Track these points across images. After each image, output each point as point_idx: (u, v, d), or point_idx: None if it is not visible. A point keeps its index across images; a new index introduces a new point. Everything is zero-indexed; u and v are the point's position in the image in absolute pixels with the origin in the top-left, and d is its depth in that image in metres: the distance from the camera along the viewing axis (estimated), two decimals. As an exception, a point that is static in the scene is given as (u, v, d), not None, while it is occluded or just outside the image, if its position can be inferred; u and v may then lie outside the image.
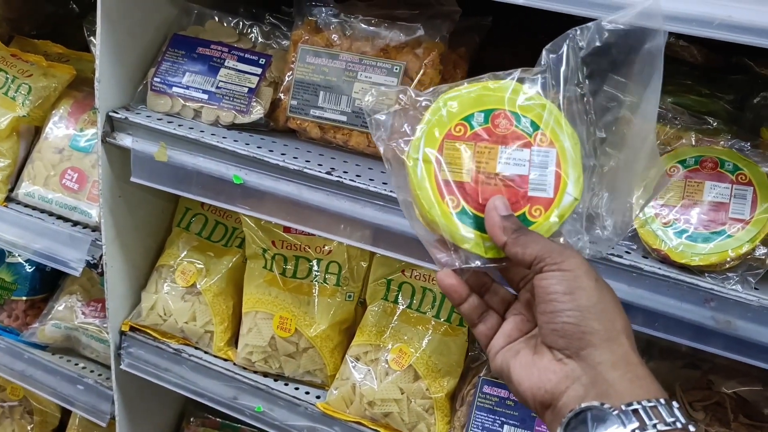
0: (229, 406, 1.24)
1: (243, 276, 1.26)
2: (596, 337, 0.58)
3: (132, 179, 1.13)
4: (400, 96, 0.69)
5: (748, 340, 0.85)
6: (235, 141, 1.07)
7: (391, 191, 0.97)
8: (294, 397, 1.20)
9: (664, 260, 0.87)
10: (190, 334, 1.26)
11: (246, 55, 1.14)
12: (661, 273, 0.86)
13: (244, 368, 1.23)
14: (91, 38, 1.35)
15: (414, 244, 0.99)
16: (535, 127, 0.65)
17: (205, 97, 1.12)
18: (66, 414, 1.65)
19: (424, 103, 0.68)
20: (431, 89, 0.69)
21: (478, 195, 0.64)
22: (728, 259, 0.84)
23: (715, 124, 0.95)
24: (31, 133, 1.36)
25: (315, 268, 1.21)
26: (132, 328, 1.29)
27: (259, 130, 1.12)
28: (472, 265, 0.65)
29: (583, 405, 0.57)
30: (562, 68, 0.68)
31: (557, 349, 0.60)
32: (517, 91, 0.66)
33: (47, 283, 1.48)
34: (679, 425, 0.55)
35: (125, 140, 1.12)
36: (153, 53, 1.18)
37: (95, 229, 1.26)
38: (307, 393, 1.21)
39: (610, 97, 0.69)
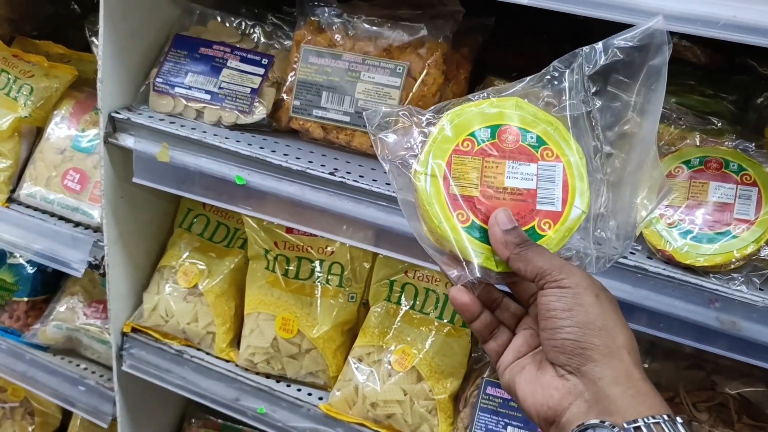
0: (232, 408, 1.23)
1: (245, 277, 1.25)
2: (596, 353, 0.58)
3: (134, 180, 1.13)
4: (404, 113, 0.69)
5: (752, 341, 0.84)
6: (237, 141, 1.07)
7: (394, 192, 0.97)
8: (296, 398, 1.19)
9: (669, 261, 0.86)
10: (192, 335, 1.26)
11: (248, 56, 1.13)
12: (666, 274, 0.85)
13: (246, 369, 1.23)
14: (93, 39, 1.35)
15: (417, 244, 0.99)
16: (542, 142, 0.66)
17: (208, 97, 1.11)
18: (67, 415, 1.64)
19: (427, 121, 0.68)
20: (433, 107, 0.69)
21: (487, 209, 0.65)
22: (733, 260, 0.83)
23: (719, 125, 0.95)
24: (33, 133, 1.35)
25: (317, 269, 1.21)
26: (134, 329, 1.29)
27: (262, 130, 1.12)
28: (483, 279, 0.65)
29: (585, 423, 0.57)
30: (567, 84, 0.67)
31: (559, 365, 0.60)
32: (521, 107, 0.66)
33: (48, 284, 1.48)
34: None
35: (127, 141, 1.12)
36: (155, 54, 1.17)
37: (97, 229, 1.26)
38: (310, 394, 1.21)
39: (615, 111, 0.69)
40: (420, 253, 0.99)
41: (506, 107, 0.66)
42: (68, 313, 1.41)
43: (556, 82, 0.68)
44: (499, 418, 1.07)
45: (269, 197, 1.05)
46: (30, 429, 1.64)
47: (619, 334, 0.59)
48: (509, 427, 1.07)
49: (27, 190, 1.30)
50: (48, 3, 1.56)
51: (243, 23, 1.18)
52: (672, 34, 1.19)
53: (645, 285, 0.87)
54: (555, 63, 0.69)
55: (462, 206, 0.64)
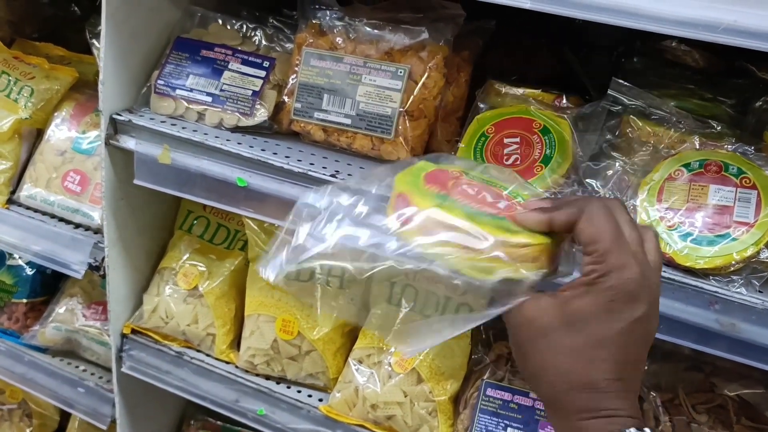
0: (231, 409, 1.23)
1: (245, 279, 1.25)
2: None
3: (135, 182, 1.13)
4: None
5: (752, 343, 0.85)
6: (239, 143, 1.07)
7: (395, 194, 0.97)
8: (296, 400, 1.19)
9: (669, 263, 0.87)
10: (191, 336, 1.26)
11: (250, 58, 1.14)
12: (666, 276, 0.86)
13: (246, 371, 1.23)
14: (93, 41, 1.35)
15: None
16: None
17: (209, 99, 1.12)
18: (65, 417, 1.64)
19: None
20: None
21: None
22: (733, 262, 0.84)
23: (719, 128, 0.96)
24: (33, 135, 1.35)
25: (318, 270, 1.21)
26: (133, 331, 1.29)
27: (263, 132, 1.12)
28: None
29: None
30: None
31: None
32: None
33: (48, 285, 1.48)
34: None
35: (128, 143, 1.12)
36: (156, 56, 1.18)
37: (97, 231, 1.26)
38: (310, 396, 1.21)
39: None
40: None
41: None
42: (67, 314, 1.41)
43: None
44: (499, 420, 1.07)
45: (271, 199, 1.05)
46: (28, 431, 1.64)
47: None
48: (509, 429, 1.07)
49: (27, 191, 1.30)
50: (48, 5, 1.57)
51: (244, 26, 1.19)
52: (672, 38, 1.20)
53: (645, 287, 0.87)
54: None
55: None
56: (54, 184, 1.28)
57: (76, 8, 1.63)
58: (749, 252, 0.84)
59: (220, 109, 1.11)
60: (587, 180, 0.95)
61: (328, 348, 1.19)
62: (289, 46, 1.17)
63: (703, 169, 0.90)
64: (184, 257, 1.28)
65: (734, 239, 0.85)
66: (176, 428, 1.59)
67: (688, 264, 0.85)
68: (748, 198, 0.87)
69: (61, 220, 1.29)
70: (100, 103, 1.11)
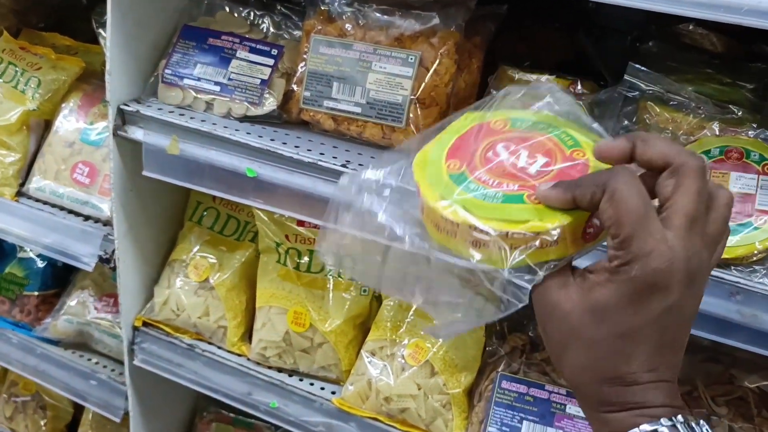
0: (244, 402, 1.23)
1: (256, 271, 1.24)
2: None
3: (144, 173, 1.12)
4: None
5: (775, 334, 0.83)
6: (247, 133, 1.05)
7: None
8: (309, 392, 1.18)
9: (689, 253, 0.85)
10: (203, 329, 1.25)
11: (258, 46, 1.12)
12: (686, 266, 0.84)
13: (258, 364, 1.22)
14: (100, 30, 1.33)
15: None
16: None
17: (217, 89, 1.10)
18: (79, 409, 1.64)
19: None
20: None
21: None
22: (755, 252, 0.82)
23: (739, 114, 0.93)
24: (41, 126, 1.35)
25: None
26: (145, 324, 1.28)
27: (272, 122, 1.10)
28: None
29: None
30: None
31: None
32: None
33: (59, 278, 1.47)
34: None
35: (137, 133, 1.11)
36: (163, 45, 1.16)
37: (107, 223, 1.25)
38: (322, 389, 1.20)
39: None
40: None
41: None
42: (79, 307, 1.41)
43: None
44: (515, 413, 1.06)
45: (280, 189, 1.04)
46: (42, 423, 1.64)
47: None
48: (525, 422, 1.05)
49: (36, 183, 1.30)
50: (55, -6, 1.55)
51: (251, 13, 1.17)
52: (688, 21, 1.17)
53: (664, 277, 0.85)
54: None
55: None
56: (63, 176, 1.27)
57: (82, -3, 1.62)
58: (772, 241, 0.82)
59: (228, 99, 1.10)
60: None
61: (340, 340, 1.18)
62: (297, 33, 1.15)
63: (723, 156, 0.88)
64: (195, 249, 1.27)
65: (756, 228, 0.83)
66: (189, 420, 1.59)
67: (708, 253, 0.83)
68: (770, 185, 0.85)
69: (71, 212, 1.28)
70: (108, 93, 1.10)
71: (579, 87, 1.04)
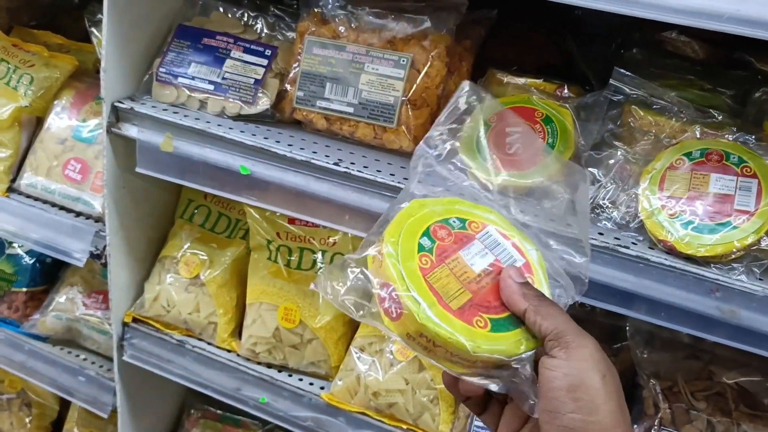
0: (233, 398, 1.24)
1: (246, 267, 1.26)
2: None
3: (137, 170, 1.13)
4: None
5: (752, 330, 0.86)
6: (241, 132, 1.07)
7: (399, 182, 0.98)
8: (298, 388, 1.20)
9: (671, 251, 0.88)
10: (193, 325, 1.26)
11: (252, 47, 1.14)
12: (668, 264, 0.87)
13: (248, 359, 1.24)
14: (92, 29, 1.35)
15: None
16: (463, 222, 0.67)
17: (211, 87, 1.12)
18: (65, 406, 1.64)
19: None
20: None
21: (488, 300, 0.62)
22: (734, 250, 0.85)
23: (719, 118, 0.96)
24: (33, 123, 1.35)
25: (320, 259, 1.22)
26: (135, 320, 1.29)
27: (265, 121, 1.12)
28: (522, 371, 0.61)
29: None
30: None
31: None
32: (425, 205, 0.67)
33: (47, 274, 1.48)
34: None
35: (131, 130, 1.12)
36: (158, 44, 1.17)
37: (98, 219, 1.26)
38: (311, 384, 1.21)
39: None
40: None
41: (424, 209, 0.66)
42: (68, 303, 1.42)
43: None
44: (500, 407, 1.08)
45: (273, 187, 1.06)
46: (27, 420, 1.64)
47: (622, 420, 0.57)
48: (510, 416, 1.08)
49: (27, 180, 1.30)
50: (47, -7, 1.56)
51: (246, 14, 1.19)
52: (671, 28, 1.21)
53: (647, 275, 0.88)
54: None
55: (472, 314, 0.61)
56: (54, 172, 1.28)
57: (74, -4, 1.63)
58: (750, 240, 0.85)
59: (222, 98, 1.11)
60: (590, 169, 0.95)
61: (329, 336, 1.20)
62: (290, 34, 1.17)
63: (704, 158, 0.91)
64: (186, 246, 1.28)
65: (735, 227, 0.86)
66: (176, 417, 1.59)
67: (689, 252, 0.86)
68: (748, 187, 0.88)
69: (62, 208, 1.29)
70: (102, 90, 1.11)
71: (566, 90, 1.07)
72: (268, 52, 1.13)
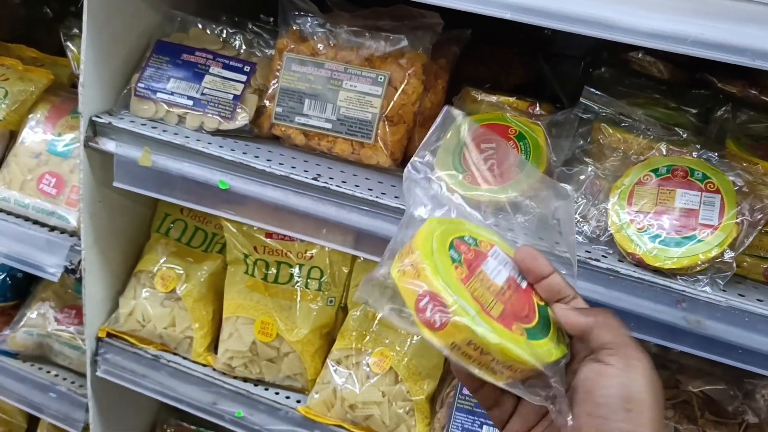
0: (209, 412, 1.24)
1: (223, 282, 1.26)
2: None
3: (115, 184, 1.13)
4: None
5: (716, 339, 0.89)
6: (220, 147, 1.08)
7: (377, 197, 1.00)
8: (274, 401, 1.20)
9: (639, 264, 0.91)
10: (169, 339, 1.26)
11: (231, 63, 1.15)
12: (636, 276, 0.90)
13: (224, 374, 1.24)
14: (68, 43, 1.35)
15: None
16: (474, 240, 0.67)
17: (190, 103, 1.13)
18: (33, 423, 1.61)
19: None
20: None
21: (516, 310, 0.63)
22: (699, 263, 0.88)
23: (684, 136, 1.00)
24: (6, 137, 1.34)
25: (297, 273, 1.23)
26: (109, 335, 1.28)
27: (244, 136, 1.13)
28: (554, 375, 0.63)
29: None
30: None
31: None
32: (441, 223, 0.68)
33: (19, 289, 1.46)
34: None
35: (108, 145, 1.12)
36: (136, 59, 1.18)
37: (73, 234, 1.25)
38: (288, 398, 1.22)
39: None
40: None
41: (434, 230, 0.66)
42: (39, 319, 1.40)
43: None
44: (475, 418, 1.10)
45: (252, 202, 1.07)
46: (-7, 438, 1.61)
47: (662, 425, 0.58)
48: (485, 426, 1.10)
49: (0, 194, 1.29)
50: (21, 6, 1.55)
51: (224, 31, 1.20)
52: (637, 49, 1.26)
53: (617, 286, 0.91)
54: None
55: (509, 322, 0.61)
56: (29, 186, 1.27)
57: (47, 10, 1.62)
58: (714, 253, 0.88)
59: (201, 113, 1.12)
60: (561, 184, 0.98)
61: (306, 350, 1.20)
62: (268, 51, 1.18)
63: (670, 174, 0.95)
64: (162, 260, 1.28)
65: (700, 241, 0.90)
66: (150, 432, 1.58)
67: (656, 264, 0.90)
68: (712, 202, 0.92)
69: (36, 222, 1.28)
70: (80, 105, 1.11)
71: (538, 108, 1.11)
72: (246, 69, 1.15)
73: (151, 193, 1.13)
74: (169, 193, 1.12)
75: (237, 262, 1.24)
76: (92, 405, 1.34)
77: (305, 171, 1.04)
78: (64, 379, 1.41)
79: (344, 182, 1.03)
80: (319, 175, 1.04)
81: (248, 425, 1.22)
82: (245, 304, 1.21)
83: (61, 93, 1.34)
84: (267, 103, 1.12)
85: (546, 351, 0.62)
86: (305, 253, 1.23)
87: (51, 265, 1.22)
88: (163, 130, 1.11)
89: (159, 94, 1.14)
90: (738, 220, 0.89)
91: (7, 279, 1.45)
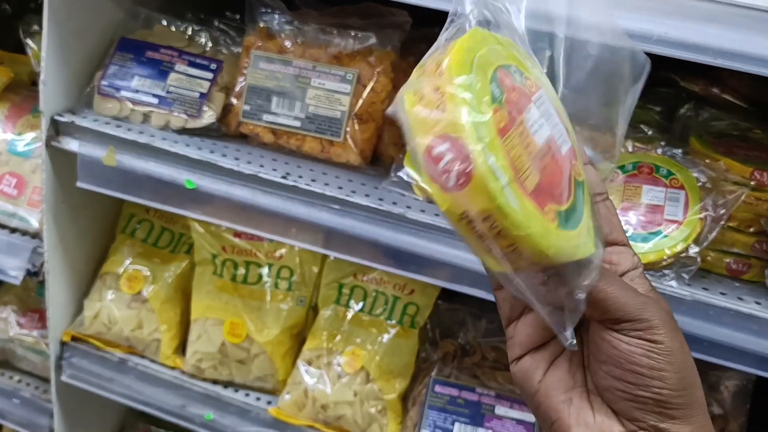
0: (178, 415, 1.22)
1: (191, 283, 1.24)
2: (678, 412, 0.50)
3: (78, 184, 1.11)
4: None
5: (682, 332, 0.91)
6: (186, 145, 1.06)
7: (346, 195, 0.99)
8: (245, 403, 1.19)
9: (607, 259, 0.92)
10: (136, 342, 1.24)
11: (197, 60, 1.13)
12: (605, 271, 0.91)
13: (193, 376, 1.22)
14: (27, 40, 1.31)
15: (365, 246, 1.02)
16: (521, 73, 0.48)
17: (155, 101, 1.11)
18: (-4, 431, 1.58)
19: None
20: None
21: (551, 184, 0.46)
22: (665, 258, 0.90)
23: (649, 133, 1.02)
24: (-36, 137, 1.30)
25: (266, 273, 1.22)
26: (74, 338, 1.26)
27: (210, 135, 1.12)
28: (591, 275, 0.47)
29: None
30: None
31: (628, 419, 0.50)
32: (486, 39, 0.48)
33: (-22, 293, 1.42)
34: None
35: (71, 144, 1.10)
36: (99, 56, 1.16)
37: (35, 235, 1.22)
38: (258, 399, 1.21)
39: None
40: (369, 254, 1.02)
41: (476, 48, 0.46)
42: (1, 323, 1.36)
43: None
44: (447, 415, 1.11)
45: (220, 201, 1.05)
46: (-46, 447, 1.56)
47: (698, 391, 0.51)
48: (456, 423, 1.10)
49: (-42, 195, 1.25)
50: (-22, 2, 1.51)
51: (189, 28, 1.18)
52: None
53: (585, 282, 0.92)
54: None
55: (543, 200, 0.44)
56: (-12, 187, 1.24)
57: (6, 6, 1.58)
58: (679, 248, 0.90)
59: (166, 111, 1.11)
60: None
61: (276, 350, 1.19)
62: (235, 49, 1.17)
63: (636, 171, 0.96)
64: (127, 262, 1.26)
65: (665, 236, 0.91)
66: (116, 437, 1.55)
67: (624, 260, 0.91)
68: (676, 198, 0.93)
69: (-4, 224, 1.25)
70: (41, 103, 1.08)
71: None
72: (213, 66, 1.13)
73: (116, 194, 1.11)
74: (134, 193, 1.10)
75: (205, 262, 1.22)
76: (57, 411, 1.31)
77: (274, 170, 1.03)
78: (28, 384, 1.37)
79: (313, 181, 1.02)
80: (288, 173, 1.03)
81: (219, 428, 1.20)
82: (214, 305, 1.20)
83: (21, 91, 1.31)
84: (234, 101, 1.11)
85: (573, 246, 0.46)
86: (274, 252, 1.22)
87: (12, 268, 1.19)
88: (128, 129, 1.09)
89: (123, 92, 1.11)
90: (702, 216, 0.91)
91: (-34, 283, 1.41)
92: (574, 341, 0.49)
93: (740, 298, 0.90)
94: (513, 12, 0.53)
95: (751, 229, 0.95)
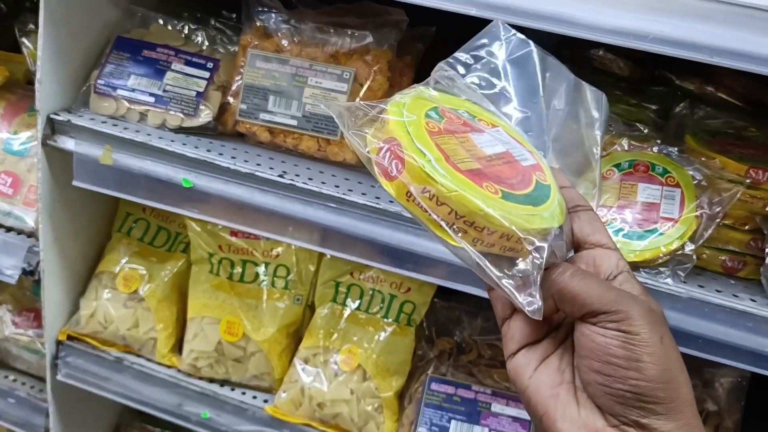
0: (175, 414, 1.22)
1: (187, 281, 1.24)
2: (661, 407, 0.49)
3: (74, 183, 1.11)
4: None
5: (678, 329, 0.91)
6: (183, 144, 1.06)
7: (343, 194, 0.99)
8: (241, 401, 1.19)
9: (603, 257, 0.92)
10: (132, 341, 1.23)
11: (193, 59, 1.13)
12: (601, 269, 0.91)
13: (189, 375, 1.22)
14: (23, 39, 1.31)
15: (362, 244, 1.02)
16: (473, 116, 0.60)
17: (152, 100, 1.11)
18: (-9, 431, 1.57)
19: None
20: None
21: (499, 176, 0.54)
22: (660, 255, 0.90)
23: (645, 131, 1.02)
24: (-41, 136, 1.30)
25: (263, 271, 1.22)
26: (69, 337, 1.25)
27: (207, 133, 1.12)
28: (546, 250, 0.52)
29: None
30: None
31: (611, 414, 0.50)
32: (434, 97, 0.61)
33: (-26, 293, 1.42)
34: None
35: (67, 143, 1.09)
36: (96, 55, 1.15)
37: (31, 235, 1.22)
38: (255, 397, 1.21)
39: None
40: (366, 252, 1.03)
41: (421, 95, 0.59)
42: (-4, 322, 1.36)
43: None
44: (443, 413, 1.11)
45: (217, 200, 1.05)
46: (-51, 447, 1.56)
47: (683, 386, 0.50)
48: (453, 421, 1.11)
49: (-47, 194, 1.25)
50: (-27, 1, 1.51)
51: (186, 27, 1.18)
52: (600, 46, 1.28)
53: (582, 280, 0.92)
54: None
55: (481, 179, 0.53)
56: (-17, 186, 1.23)
57: (1, 6, 1.58)
58: (675, 245, 0.90)
59: (163, 110, 1.10)
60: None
61: (273, 349, 1.19)
62: (231, 47, 1.17)
63: (632, 169, 0.97)
64: (124, 261, 1.25)
65: (661, 234, 0.91)
66: (112, 437, 1.55)
67: (620, 257, 0.91)
68: (672, 195, 0.94)
69: (-9, 223, 1.24)
70: (37, 102, 1.08)
71: (502, 105, 1.11)
72: (209, 65, 1.13)
73: (113, 192, 1.11)
74: (131, 192, 1.10)
75: (201, 261, 1.22)
76: (53, 410, 1.31)
77: (270, 168, 1.03)
78: (23, 384, 1.37)
79: (310, 179, 1.02)
80: (284, 172, 1.03)
81: (215, 426, 1.20)
82: (210, 303, 1.20)
83: (17, 90, 1.31)
84: (231, 99, 1.11)
85: (525, 216, 0.52)
86: (271, 251, 1.22)
87: (8, 267, 1.19)
88: (125, 128, 1.09)
89: (120, 91, 1.11)
90: (697, 213, 0.91)
91: (-38, 282, 1.40)
92: (535, 308, 0.51)
93: (735, 296, 0.91)
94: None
95: (747, 227, 0.96)
